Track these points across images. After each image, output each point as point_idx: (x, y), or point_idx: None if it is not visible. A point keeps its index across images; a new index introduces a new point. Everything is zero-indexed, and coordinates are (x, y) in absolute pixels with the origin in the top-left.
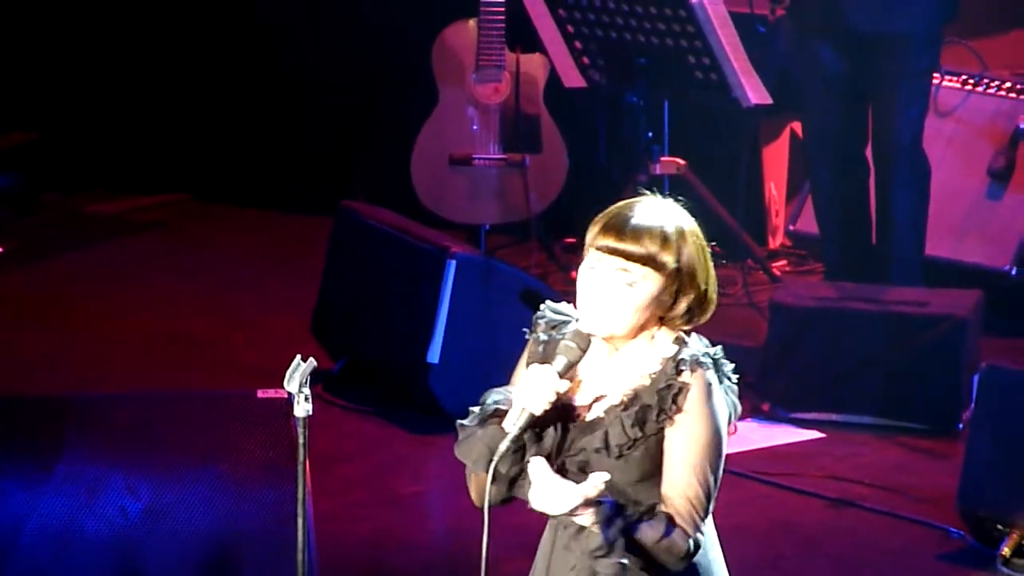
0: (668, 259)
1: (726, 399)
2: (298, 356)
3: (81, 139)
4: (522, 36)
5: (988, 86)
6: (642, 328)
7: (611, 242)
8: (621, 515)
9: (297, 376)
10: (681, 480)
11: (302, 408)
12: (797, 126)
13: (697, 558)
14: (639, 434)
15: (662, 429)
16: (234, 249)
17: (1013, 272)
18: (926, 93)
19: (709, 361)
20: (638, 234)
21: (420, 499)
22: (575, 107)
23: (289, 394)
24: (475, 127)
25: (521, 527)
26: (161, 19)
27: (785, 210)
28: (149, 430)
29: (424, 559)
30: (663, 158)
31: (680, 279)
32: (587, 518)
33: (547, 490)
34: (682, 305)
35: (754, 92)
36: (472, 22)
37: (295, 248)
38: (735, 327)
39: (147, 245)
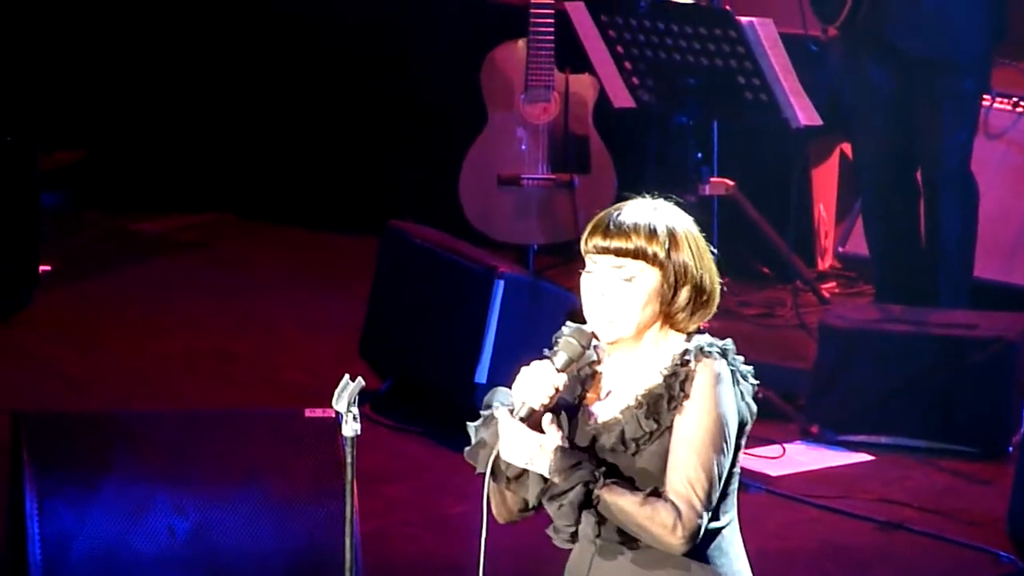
0: (658, 250)
1: (737, 397)
2: (346, 375)
3: (126, 158)
4: (572, 56)
5: None
6: (647, 327)
7: (600, 241)
8: (588, 468)
9: (345, 395)
10: (681, 461)
11: (350, 427)
12: (847, 147)
13: (722, 566)
14: (654, 426)
15: (673, 420)
16: (278, 268)
17: None
18: (974, 116)
19: (716, 351)
20: (623, 229)
21: (467, 519)
22: (624, 127)
23: (337, 413)
24: (524, 147)
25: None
26: (207, 39)
27: (835, 231)
28: (196, 448)
29: None
30: (712, 179)
31: (675, 270)
32: (543, 460)
33: (511, 438)
34: (681, 297)
35: (804, 113)
36: (522, 42)
37: (340, 267)
38: (785, 349)
39: (191, 263)
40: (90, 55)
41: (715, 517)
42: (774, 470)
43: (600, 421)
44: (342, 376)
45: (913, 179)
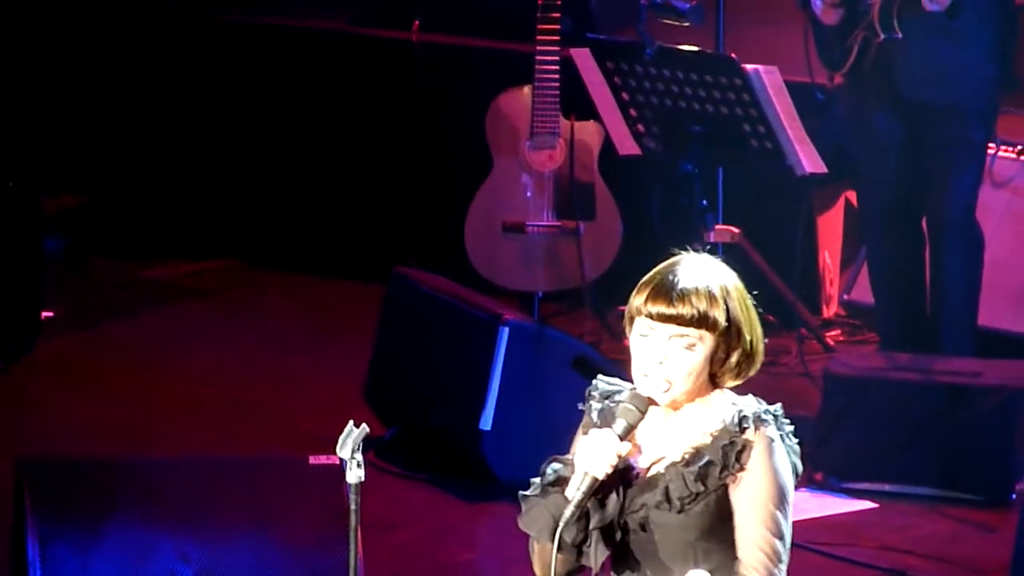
0: (719, 316)
1: (788, 456)
2: (351, 422)
3: (132, 203)
4: (577, 103)
5: None
6: (698, 391)
7: (663, 308)
8: None
9: (350, 442)
10: (752, 534)
11: (354, 474)
12: (852, 195)
13: None
14: (701, 488)
15: (724, 486)
16: (285, 315)
17: None
18: (980, 164)
19: (771, 418)
20: (687, 296)
21: (472, 567)
22: (630, 175)
23: (341, 460)
24: (529, 194)
25: None
26: (215, 84)
27: (840, 279)
28: (200, 495)
29: None
30: (717, 226)
31: (730, 335)
32: None
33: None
34: (733, 360)
35: (809, 161)
36: (527, 89)
37: (346, 314)
38: (789, 396)
39: (198, 310)
40: (92, 99)
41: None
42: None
43: (645, 478)
44: (347, 423)
45: (918, 227)
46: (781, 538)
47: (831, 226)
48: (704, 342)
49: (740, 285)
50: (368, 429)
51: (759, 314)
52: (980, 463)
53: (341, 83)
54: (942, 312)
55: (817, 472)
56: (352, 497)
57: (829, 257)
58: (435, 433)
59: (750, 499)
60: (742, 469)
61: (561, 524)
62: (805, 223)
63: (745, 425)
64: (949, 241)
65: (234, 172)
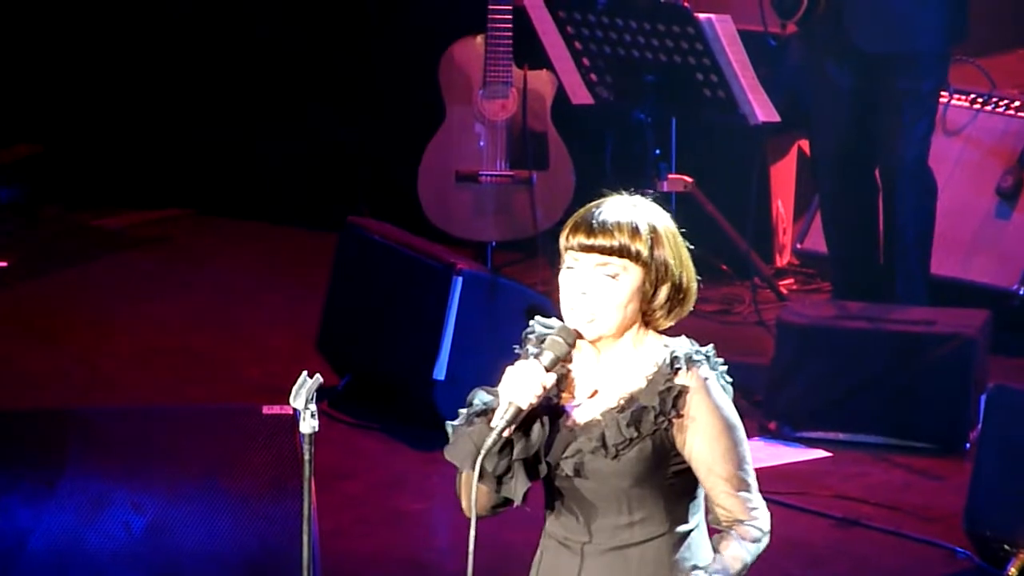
0: (641, 248)
1: (724, 391)
2: (304, 372)
3: (85, 153)
4: (529, 53)
5: (997, 105)
6: (628, 326)
7: (583, 238)
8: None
9: (303, 392)
10: (717, 472)
11: (308, 424)
12: (805, 144)
13: (684, 567)
14: (635, 434)
15: (661, 431)
16: (237, 264)
17: (1021, 292)
18: (932, 112)
19: (703, 358)
20: (609, 227)
21: (425, 516)
22: (582, 124)
23: (295, 410)
24: (482, 143)
25: (518, 542)
26: (166, 34)
27: (792, 228)
28: (153, 445)
29: None
30: (670, 175)
31: (656, 267)
32: None
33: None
34: (661, 295)
35: (762, 109)
36: (479, 38)
37: (299, 263)
38: (743, 345)
39: (150, 260)
40: (47, 48)
41: (685, 520)
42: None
43: (580, 423)
44: (300, 372)
45: (871, 176)
46: (744, 466)
47: (784, 175)
48: (628, 273)
49: (672, 225)
50: (321, 379)
51: (714, 263)
52: (933, 412)
53: (294, 31)
54: (895, 261)
55: (771, 421)
56: (306, 447)
57: (782, 206)
58: (388, 383)
59: (702, 441)
60: (679, 416)
61: (482, 452)
62: (758, 172)
63: (677, 366)
64: (902, 190)
65: (184, 121)
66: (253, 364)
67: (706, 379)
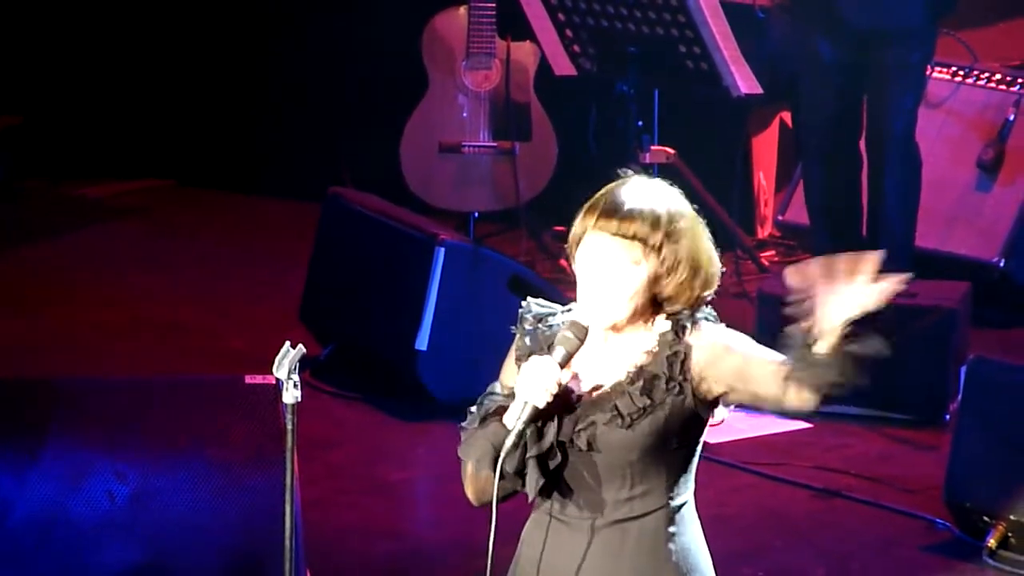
0: (661, 236)
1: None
2: (287, 342)
3: (66, 124)
4: (513, 23)
5: (978, 78)
6: (641, 314)
7: (604, 223)
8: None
9: (286, 362)
10: (761, 360)
11: (291, 394)
12: (787, 116)
13: (683, 540)
14: (647, 402)
15: (670, 397)
16: (219, 235)
17: (1001, 264)
18: (920, 85)
19: (703, 318)
20: (631, 214)
21: (407, 486)
22: (565, 95)
23: (277, 380)
24: (465, 114)
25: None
26: (147, 3)
27: (774, 200)
28: (136, 415)
29: (411, 547)
30: (653, 147)
31: (675, 256)
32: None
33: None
34: (677, 282)
35: (744, 82)
36: (463, 9)
37: (281, 234)
38: (724, 316)
39: (131, 231)
40: (27, 19)
41: (679, 492)
42: (713, 437)
43: (589, 399)
44: (283, 342)
45: (855, 149)
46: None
47: (766, 147)
48: (648, 260)
49: (691, 211)
50: (304, 349)
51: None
52: (914, 383)
53: (276, 1)
54: (880, 233)
55: None
56: (288, 417)
57: (764, 178)
58: (371, 353)
59: (728, 357)
60: (686, 379)
61: (503, 454)
62: (741, 144)
63: (680, 332)
64: (889, 163)
65: (168, 92)
66: (236, 334)
67: (707, 321)
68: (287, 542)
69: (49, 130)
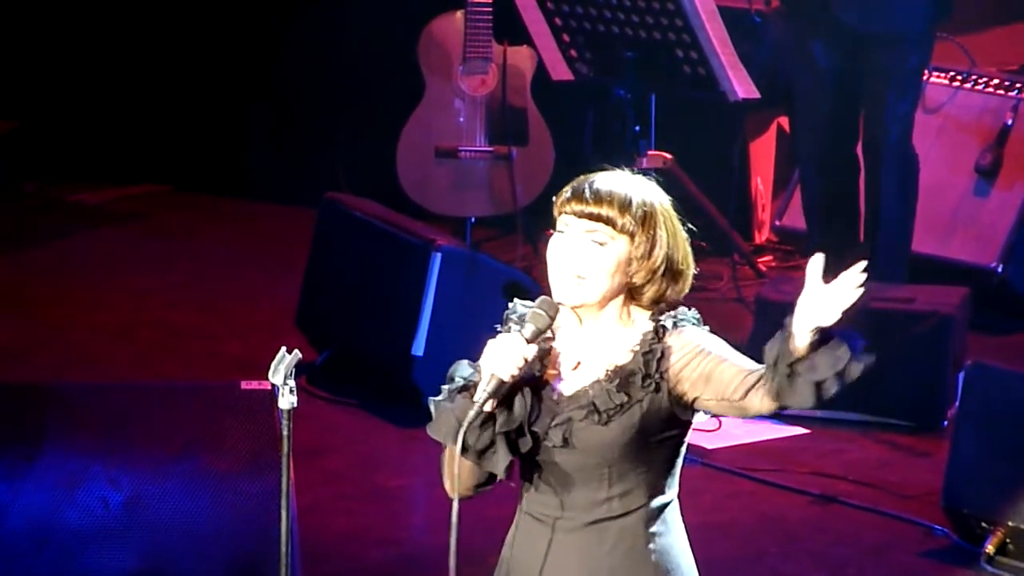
0: (630, 220)
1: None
2: (283, 348)
3: (63, 128)
4: (509, 28)
5: (976, 83)
6: (611, 298)
7: (575, 205)
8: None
9: (282, 368)
10: (728, 363)
11: (286, 400)
12: (784, 121)
13: (666, 541)
14: (625, 399)
15: (648, 395)
16: (216, 240)
17: (999, 269)
18: (917, 90)
19: (685, 321)
20: (601, 196)
21: (403, 492)
22: (562, 100)
23: (273, 386)
24: (461, 119)
25: (502, 519)
26: (143, 9)
27: (772, 205)
28: (131, 421)
29: (407, 553)
30: (650, 152)
31: (645, 243)
32: None
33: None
34: (648, 271)
35: (741, 86)
36: (459, 14)
37: (278, 239)
38: (722, 322)
39: (128, 236)
40: (24, 23)
41: (661, 492)
42: (710, 443)
43: (566, 394)
44: (279, 348)
45: (852, 153)
46: (744, 359)
47: (763, 152)
48: (616, 242)
49: (668, 205)
50: (300, 355)
51: (692, 240)
52: (912, 389)
53: (272, 7)
54: (877, 238)
55: None
56: (284, 423)
57: (761, 183)
58: (367, 359)
59: (700, 359)
60: (666, 375)
61: (464, 425)
62: (738, 149)
63: (664, 324)
64: (886, 167)
65: (163, 97)
66: (232, 340)
67: (685, 323)
68: (283, 548)
69: (45, 135)
